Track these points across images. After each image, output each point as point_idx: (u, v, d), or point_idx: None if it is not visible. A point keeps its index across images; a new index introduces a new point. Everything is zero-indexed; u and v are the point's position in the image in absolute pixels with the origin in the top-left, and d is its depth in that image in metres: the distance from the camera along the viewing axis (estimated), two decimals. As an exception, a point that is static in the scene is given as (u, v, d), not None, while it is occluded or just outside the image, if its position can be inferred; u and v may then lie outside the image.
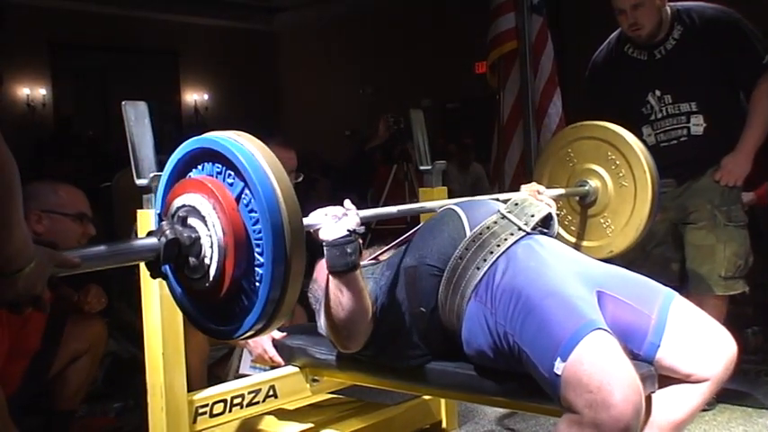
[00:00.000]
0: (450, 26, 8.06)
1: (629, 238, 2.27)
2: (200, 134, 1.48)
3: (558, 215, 1.93)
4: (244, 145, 1.35)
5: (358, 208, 1.66)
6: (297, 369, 2.08)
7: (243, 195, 1.35)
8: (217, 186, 1.36)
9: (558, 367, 1.40)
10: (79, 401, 2.77)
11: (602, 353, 1.40)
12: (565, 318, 1.46)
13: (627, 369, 1.39)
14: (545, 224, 1.76)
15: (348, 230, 1.58)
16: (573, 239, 2.36)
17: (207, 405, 1.90)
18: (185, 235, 1.35)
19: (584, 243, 2.35)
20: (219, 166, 1.39)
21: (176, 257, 1.36)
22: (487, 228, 1.68)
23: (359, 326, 1.65)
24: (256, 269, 1.34)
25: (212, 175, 1.40)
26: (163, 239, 1.34)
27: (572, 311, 1.47)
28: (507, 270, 1.60)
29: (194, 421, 1.86)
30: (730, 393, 3.09)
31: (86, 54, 8.99)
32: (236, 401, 1.97)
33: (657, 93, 2.80)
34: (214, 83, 10.11)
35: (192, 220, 1.37)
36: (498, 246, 1.65)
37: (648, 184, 2.22)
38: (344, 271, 1.58)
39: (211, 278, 1.35)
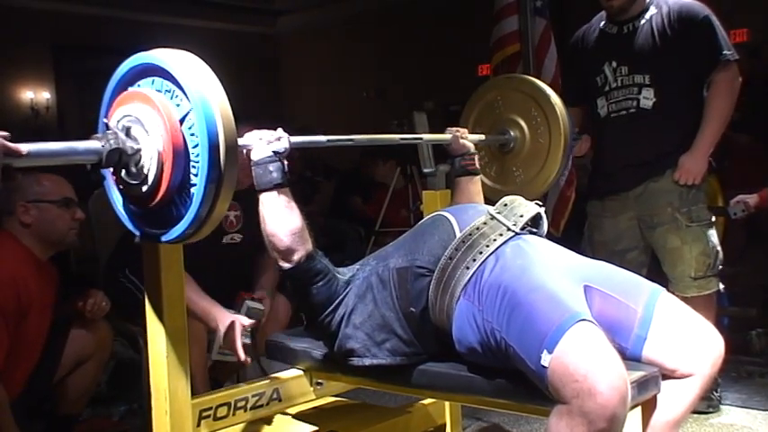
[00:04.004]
0: (453, 28, 8.05)
1: (533, 191, 2.46)
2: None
3: (477, 154, 2.27)
4: (195, 71, 1.50)
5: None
6: (301, 372, 2.08)
7: (187, 118, 1.48)
8: (164, 104, 1.49)
9: (545, 359, 1.41)
10: (82, 406, 2.77)
11: (587, 343, 1.42)
12: (550, 311, 1.47)
13: (612, 358, 1.41)
14: (534, 224, 1.77)
15: (273, 152, 1.73)
16: (489, 183, 2.58)
17: (211, 408, 1.90)
18: (128, 145, 1.49)
19: (498, 187, 2.56)
20: (170, 85, 1.51)
21: (117, 164, 1.50)
22: (477, 228, 1.71)
23: (287, 239, 1.73)
24: (190, 187, 1.49)
25: (161, 92, 1.52)
26: (107, 146, 1.47)
27: (557, 304, 1.49)
28: (495, 268, 1.63)
29: (198, 425, 1.86)
30: (735, 395, 3.09)
31: (90, 57, 8.98)
32: (239, 405, 1.97)
33: (614, 63, 2.86)
34: (217, 86, 10.10)
35: (135, 130, 1.50)
36: (487, 246, 1.67)
37: (561, 146, 2.46)
38: (268, 188, 1.73)
39: (147, 186, 1.50)
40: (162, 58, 1.52)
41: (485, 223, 1.72)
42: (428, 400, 2.23)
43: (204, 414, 1.88)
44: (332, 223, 6.09)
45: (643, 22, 2.82)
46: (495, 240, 1.68)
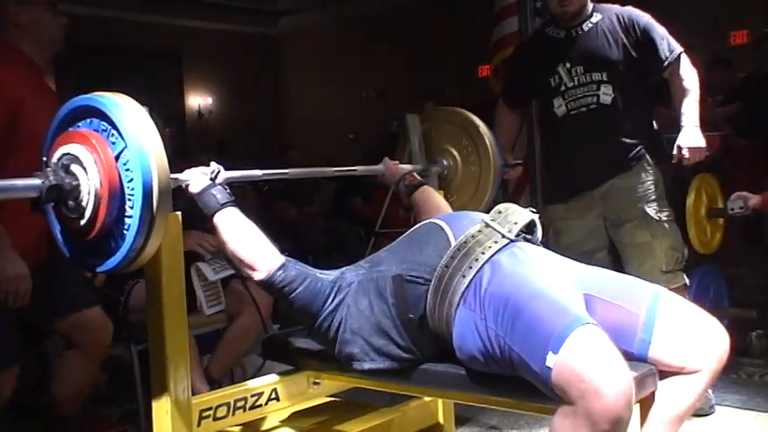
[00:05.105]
0: (453, 28, 8.06)
1: None
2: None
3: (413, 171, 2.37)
4: (129, 111, 1.59)
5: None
6: (299, 372, 2.09)
7: (122, 155, 1.58)
8: (100, 142, 1.58)
9: (550, 360, 1.42)
10: (78, 406, 2.74)
11: (592, 344, 1.42)
12: (553, 315, 1.48)
13: (617, 360, 1.42)
14: (529, 230, 1.77)
15: (210, 178, 1.85)
16: None
17: (211, 408, 1.91)
18: (67, 181, 1.57)
19: None
20: (106, 125, 1.60)
21: (56, 199, 1.58)
22: (472, 236, 1.71)
23: (249, 253, 1.80)
24: (126, 219, 1.59)
25: (98, 131, 1.61)
26: (46, 183, 1.55)
27: (560, 310, 1.49)
28: (493, 277, 1.62)
29: (199, 425, 1.87)
30: (735, 397, 3.10)
31: (89, 57, 8.99)
32: (239, 405, 1.97)
33: (567, 65, 2.93)
34: (217, 86, 10.13)
35: (74, 168, 1.58)
36: (483, 253, 1.67)
37: (491, 173, 2.58)
38: (218, 210, 1.81)
39: (85, 220, 1.59)
40: (98, 100, 1.61)
41: (480, 231, 1.72)
42: (422, 399, 2.24)
43: (204, 414, 1.89)
44: (332, 224, 6.10)
45: (590, 26, 2.92)
46: (490, 248, 1.68)
